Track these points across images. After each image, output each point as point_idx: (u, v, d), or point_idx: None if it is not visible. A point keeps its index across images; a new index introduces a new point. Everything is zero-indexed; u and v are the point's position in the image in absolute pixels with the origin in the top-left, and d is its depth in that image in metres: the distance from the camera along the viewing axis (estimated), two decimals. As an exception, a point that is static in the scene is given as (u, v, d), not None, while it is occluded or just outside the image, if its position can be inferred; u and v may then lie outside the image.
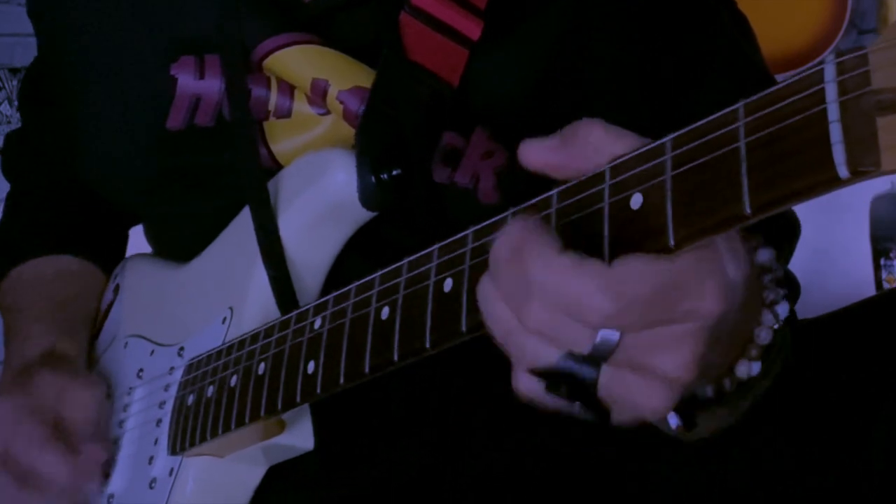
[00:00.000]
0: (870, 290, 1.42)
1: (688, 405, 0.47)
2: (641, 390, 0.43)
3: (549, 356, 0.43)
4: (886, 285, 1.41)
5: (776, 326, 0.48)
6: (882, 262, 1.43)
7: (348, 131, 0.73)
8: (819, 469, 0.62)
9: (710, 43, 0.76)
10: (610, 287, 0.40)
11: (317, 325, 0.61)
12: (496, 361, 0.51)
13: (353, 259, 0.72)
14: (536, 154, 0.47)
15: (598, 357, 0.42)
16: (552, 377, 0.43)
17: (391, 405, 0.71)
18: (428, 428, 0.71)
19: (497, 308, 0.44)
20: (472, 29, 0.71)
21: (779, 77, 0.80)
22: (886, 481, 0.59)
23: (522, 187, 0.71)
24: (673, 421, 0.48)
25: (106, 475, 0.78)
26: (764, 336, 0.47)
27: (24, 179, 1.00)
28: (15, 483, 0.73)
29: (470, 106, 0.71)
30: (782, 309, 0.48)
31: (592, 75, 0.72)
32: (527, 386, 0.45)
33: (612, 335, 0.41)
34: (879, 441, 0.60)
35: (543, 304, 0.41)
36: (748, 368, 0.48)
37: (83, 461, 0.74)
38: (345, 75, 0.72)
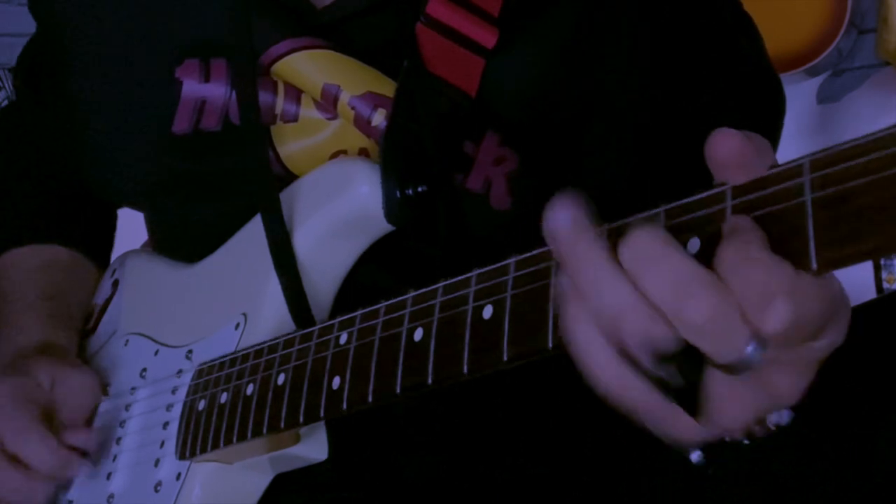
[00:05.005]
0: (870, 290, 1.44)
1: (717, 445, 0.46)
2: (741, 403, 0.42)
3: (669, 343, 0.40)
4: (886, 285, 1.43)
5: None
6: (882, 261, 1.44)
7: (355, 135, 0.73)
8: (821, 474, 0.63)
9: (711, 44, 0.76)
10: (794, 297, 0.38)
11: (342, 340, 0.60)
12: (512, 372, 0.51)
13: (366, 267, 0.72)
14: (733, 141, 0.42)
15: (733, 369, 0.40)
16: (668, 363, 0.40)
17: (405, 414, 0.71)
18: (442, 438, 0.71)
19: (620, 284, 0.41)
20: (488, 38, 0.71)
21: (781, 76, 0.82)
22: (890, 487, 0.61)
23: (533, 192, 0.72)
24: (695, 456, 0.47)
25: (99, 461, 0.79)
26: None
27: (14, 161, 0.98)
28: (2, 467, 0.73)
29: (482, 112, 0.72)
30: None
31: (600, 77, 0.72)
32: (610, 374, 0.42)
33: (758, 355, 0.39)
34: (883, 447, 0.61)
35: (712, 294, 0.39)
36: (779, 417, 0.46)
37: (67, 448, 0.74)
38: (356, 81, 0.72)
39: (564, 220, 0.43)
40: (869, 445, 0.61)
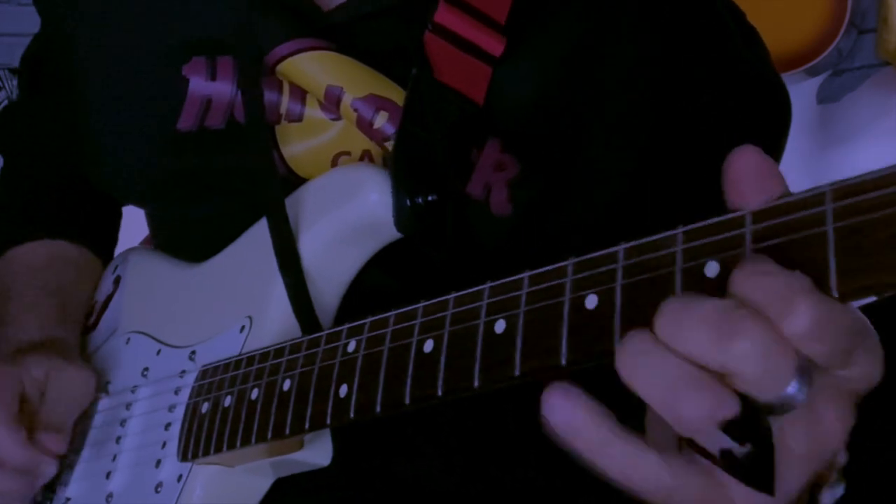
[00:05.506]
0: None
1: None
2: (798, 459, 0.41)
3: (733, 405, 0.39)
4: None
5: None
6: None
7: (359, 137, 0.73)
8: None
9: (713, 52, 0.76)
10: (816, 298, 0.38)
11: (350, 348, 0.60)
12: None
13: (372, 272, 0.72)
14: (754, 157, 0.42)
15: (782, 407, 0.39)
16: (737, 431, 0.39)
17: (409, 420, 0.70)
18: (447, 445, 0.71)
19: (666, 357, 0.40)
20: (495, 46, 0.71)
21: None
22: (886, 494, 0.61)
23: (534, 199, 0.72)
24: None
25: (68, 464, 0.80)
26: (842, 457, 0.45)
27: (20, 157, 0.98)
28: None
29: (487, 119, 0.72)
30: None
31: (603, 85, 0.72)
32: (660, 475, 0.41)
33: (804, 387, 0.39)
34: (885, 449, 0.61)
35: (752, 320, 0.38)
36: (832, 494, 0.45)
37: (39, 448, 0.75)
38: (359, 83, 0.72)
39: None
40: (870, 446, 0.61)
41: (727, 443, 0.39)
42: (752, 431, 0.39)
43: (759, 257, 0.39)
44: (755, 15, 0.82)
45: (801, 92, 1.50)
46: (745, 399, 0.39)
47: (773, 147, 0.79)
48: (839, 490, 0.45)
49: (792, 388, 0.39)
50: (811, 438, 0.41)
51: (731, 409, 0.39)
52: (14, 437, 0.73)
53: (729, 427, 0.39)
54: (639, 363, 0.41)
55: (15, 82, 1.46)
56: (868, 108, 1.48)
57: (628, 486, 0.43)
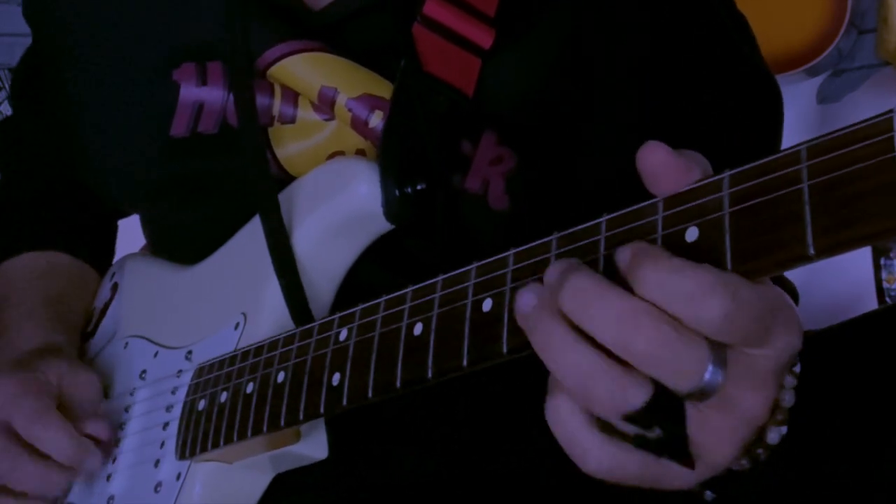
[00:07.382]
0: (870, 290, 1.45)
1: (726, 479, 0.46)
2: (722, 435, 0.42)
3: (638, 397, 0.41)
4: (886, 285, 1.43)
5: (795, 385, 0.47)
6: (882, 261, 1.44)
7: (353, 137, 0.73)
8: (825, 493, 0.62)
9: (710, 45, 0.76)
10: (727, 285, 0.39)
11: (342, 336, 0.60)
12: (510, 370, 0.52)
13: (366, 267, 0.72)
14: (660, 152, 0.44)
15: (700, 394, 0.41)
16: (644, 420, 0.41)
17: (406, 413, 0.71)
18: (443, 438, 0.71)
19: (578, 348, 0.42)
20: (484, 38, 0.71)
21: (778, 77, 0.82)
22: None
23: (531, 192, 0.72)
24: (708, 495, 0.48)
25: (111, 457, 0.78)
26: (788, 399, 0.46)
27: (15, 172, 0.99)
28: (17, 454, 0.73)
29: (479, 111, 0.72)
30: (798, 368, 0.47)
31: (597, 76, 0.72)
32: (601, 457, 0.43)
33: (718, 375, 0.40)
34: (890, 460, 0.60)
35: (654, 321, 0.40)
36: (778, 433, 0.47)
37: (86, 437, 0.74)
38: (353, 83, 0.72)
39: (529, 301, 0.44)
40: (876, 460, 0.60)
41: (637, 430, 0.42)
42: (660, 418, 0.41)
43: (663, 253, 0.41)
44: (755, 15, 0.82)
45: (801, 92, 1.50)
46: (658, 386, 0.41)
47: (770, 136, 0.79)
48: (784, 430, 0.47)
49: (707, 376, 0.40)
50: (733, 419, 0.42)
51: (637, 399, 0.41)
52: (66, 430, 0.73)
53: (635, 417, 0.41)
54: (556, 349, 0.42)
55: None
56: (868, 108, 1.48)
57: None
